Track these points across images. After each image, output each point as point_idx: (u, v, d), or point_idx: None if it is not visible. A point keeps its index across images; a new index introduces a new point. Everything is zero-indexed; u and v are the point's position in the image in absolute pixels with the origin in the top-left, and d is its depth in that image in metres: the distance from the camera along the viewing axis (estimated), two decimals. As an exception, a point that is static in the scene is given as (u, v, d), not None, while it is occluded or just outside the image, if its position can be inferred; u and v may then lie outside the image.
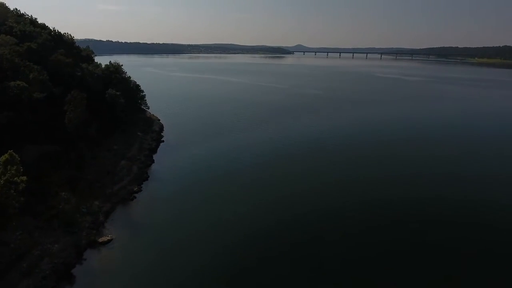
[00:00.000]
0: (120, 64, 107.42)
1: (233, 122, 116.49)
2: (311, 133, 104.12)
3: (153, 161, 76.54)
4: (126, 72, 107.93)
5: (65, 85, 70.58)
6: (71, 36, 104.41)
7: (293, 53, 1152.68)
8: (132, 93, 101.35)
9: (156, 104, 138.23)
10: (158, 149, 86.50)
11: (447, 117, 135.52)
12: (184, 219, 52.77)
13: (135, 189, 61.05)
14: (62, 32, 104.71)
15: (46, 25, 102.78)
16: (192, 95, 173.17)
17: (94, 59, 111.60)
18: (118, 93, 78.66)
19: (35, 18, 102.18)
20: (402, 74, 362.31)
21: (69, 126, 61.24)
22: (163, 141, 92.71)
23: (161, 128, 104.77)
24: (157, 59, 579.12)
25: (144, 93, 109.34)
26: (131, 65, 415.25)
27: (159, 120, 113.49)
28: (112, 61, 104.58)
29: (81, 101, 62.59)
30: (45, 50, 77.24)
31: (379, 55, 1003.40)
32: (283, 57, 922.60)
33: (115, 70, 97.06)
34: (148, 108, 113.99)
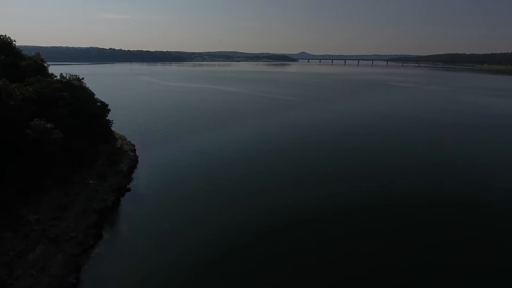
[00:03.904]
0: (80, 77, 79.30)
1: (235, 158, 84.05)
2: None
3: (100, 237, 47.15)
4: (87, 88, 79.57)
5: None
6: (10, 40, 76.36)
7: (297, 61, 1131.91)
8: (91, 117, 72.71)
9: (136, 127, 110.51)
10: (119, 207, 57.26)
11: None
12: None
13: (38, 323, 31.82)
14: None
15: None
16: (185, 112, 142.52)
17: (47, 70, 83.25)
18: (48, 125, 49.58)
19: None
20: (419, 83, 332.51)
21: None
22: (129, 189, 63.27)
23: (133, 164, 75.67)
24: (158, 67, 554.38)
25: (109, 119, 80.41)
26: (129, 73, 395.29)
27: (134, 150, 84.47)
28: (65, 73, 76.00)
29: None
30: None
31: (385, 62, 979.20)
32: (288, 64, 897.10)
33: (65, 87, 68.01)
34: (115, 138, 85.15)
